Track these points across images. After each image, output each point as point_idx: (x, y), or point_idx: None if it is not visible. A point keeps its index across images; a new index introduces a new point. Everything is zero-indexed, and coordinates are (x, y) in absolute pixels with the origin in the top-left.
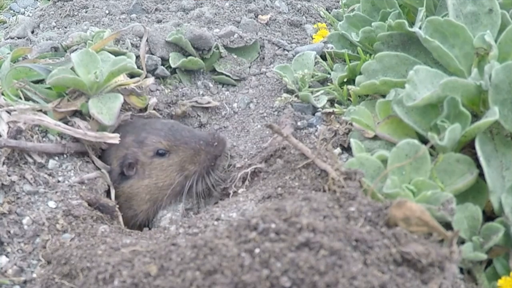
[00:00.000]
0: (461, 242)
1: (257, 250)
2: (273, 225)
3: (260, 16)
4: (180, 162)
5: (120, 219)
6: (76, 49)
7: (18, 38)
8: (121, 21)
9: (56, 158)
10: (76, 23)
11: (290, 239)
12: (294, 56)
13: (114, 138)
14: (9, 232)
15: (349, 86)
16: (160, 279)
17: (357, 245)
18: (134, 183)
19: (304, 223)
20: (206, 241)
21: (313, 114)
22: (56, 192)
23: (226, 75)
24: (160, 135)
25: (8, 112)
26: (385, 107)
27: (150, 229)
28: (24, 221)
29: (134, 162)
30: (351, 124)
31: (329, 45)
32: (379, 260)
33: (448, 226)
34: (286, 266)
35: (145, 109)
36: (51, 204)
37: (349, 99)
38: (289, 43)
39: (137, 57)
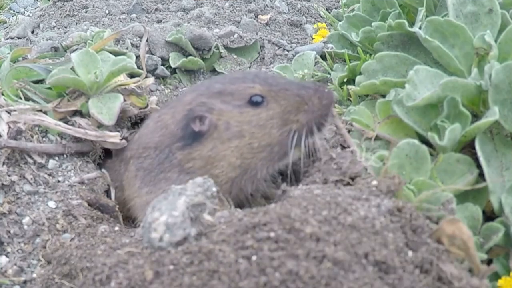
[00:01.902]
0: None
1: (254, 257)
2: (272, 234)
3: (260, 16)
4: (282, 113)
5: (121, 219)
6: (76, 49)
7: (18, 38)
8: (121, 21)
9: (56, 158)
10: (76, 23)
11: (290, 247)
12: (294, 56)
13: (115, 137)
14: (9, 232)
15: (349, 86)
16: (156, 283)
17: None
18: (217, 144)
19: (308, 232)
20: (200, 246)
21: None
22: (56, 192)
23: None
24: (248, 81)
25: (8, 112)
26: (385, 107)
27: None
28: (24, 221)
29: (205, 115)
30: (351, 124)
31: (329, 45)
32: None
33: None
34: (284, 276)
35: (145, 108)
36: (51, 204)
37: (349, 99)
38: (289, 43)
39: (137, 57)
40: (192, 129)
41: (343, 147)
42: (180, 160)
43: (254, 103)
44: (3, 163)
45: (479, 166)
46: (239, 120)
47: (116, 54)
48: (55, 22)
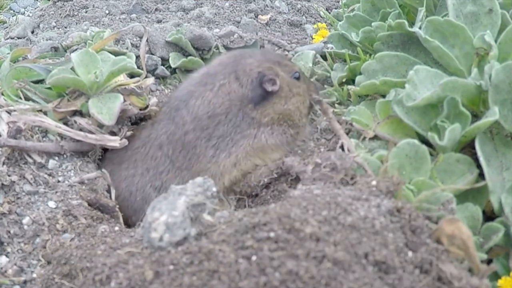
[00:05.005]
0: None
1: (254, 257)
2: (272, 234)
3: (260, 16)
4: (306, 89)
5: (121, 219)
6: (76, 49)
7: (18, 38)
8: (121, 21)
9: (56, 158)
10: (76, 23)
11: (290, 247)
12: (294, 56)
13: (114, 141)
14: (9, 232)
15: (349, 86)
16: (156, 283)
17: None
18: (287, 100)
19: (308, 232)
20: (200, 246)
21: None
22: (56, 192)
23: None
24: (291, 61)
25: (8, 112)
26: (385, 107)
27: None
28: (24, 221)
29: (274, 78)
30: (351, 124)
31: (329, 45)
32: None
33: None
34: (284, 276)
35: (145, 109)
36: (51, 204)
37: (349, 99)
38: (289, 43)
39: (137, 57)
40: (263, 89)
41: (343, 148)
42: (254, 117)
43: (296, 77)
44: (3, 163)
45: (479, 166)
46: (293, 85)
47: (116, 54)
48: (55, 22)
